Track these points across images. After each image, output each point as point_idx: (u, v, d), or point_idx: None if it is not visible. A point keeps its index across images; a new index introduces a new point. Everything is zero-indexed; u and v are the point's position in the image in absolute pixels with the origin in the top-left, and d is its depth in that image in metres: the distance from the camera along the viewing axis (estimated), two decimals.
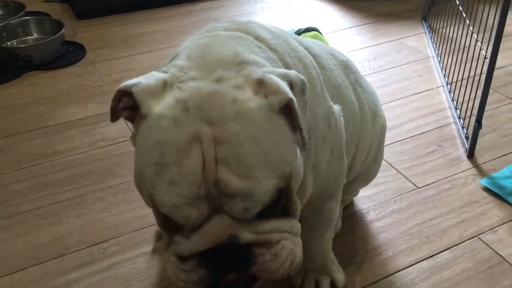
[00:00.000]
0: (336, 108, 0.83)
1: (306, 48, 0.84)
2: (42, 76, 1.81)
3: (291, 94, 0.60)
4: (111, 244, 1.11)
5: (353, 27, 2.14)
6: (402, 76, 1.76)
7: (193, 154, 0.57)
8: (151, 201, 0.61)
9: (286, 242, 0.65)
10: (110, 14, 2.27)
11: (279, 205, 0.63)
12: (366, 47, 1.97)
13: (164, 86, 0.62)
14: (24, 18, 2.03)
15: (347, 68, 0.97)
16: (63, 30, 1.91)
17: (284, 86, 0.60)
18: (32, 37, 1.99)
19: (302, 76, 0.65)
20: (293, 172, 0.63)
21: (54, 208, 1.22)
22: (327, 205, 0.88)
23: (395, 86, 1.70)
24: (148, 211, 1.18)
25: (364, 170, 1.07)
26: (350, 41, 2.02)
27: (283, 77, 0.62)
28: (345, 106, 0.88)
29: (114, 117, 0.65)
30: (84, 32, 2.13)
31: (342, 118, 0.84)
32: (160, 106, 0.60)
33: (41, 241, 1.13)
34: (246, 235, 0.61)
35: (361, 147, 0.99)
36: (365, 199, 1.22)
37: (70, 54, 1.93)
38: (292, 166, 0.63)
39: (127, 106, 0.63)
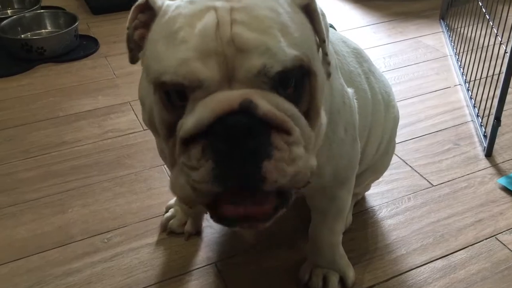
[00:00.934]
0: (350, 90, 0.81)
1: None
2: (54, 68, 1.80)
3: None
4: (116, 234, 1.09)
5: (369, 25, 2.11)
6: (419, 74, 1.72)
7: (207, 17, 0.53)
8: (156, 85, 0.56)
9: (303, 152, 0.56)
10: (125, 9, 2.27)
11: (302, 89, 0.57)
12: (382, 45, 1.93)
13: None
14: (38, 11, 2.03)
15: (359, 56, 0.94)
16: (76, 24, 1.91)
17: None
18: (46, 30, 1.99)
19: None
20: (317, 69, 0.59)
21: (60, 197, 1.20)
22: (339, 193, 0.84)
23: (411, 83, 1.66)
24: (154, 202, 1.16)
25: (375, 162, 1.03)
26: (367, 39, 1.98)
27: None
28: (357, 94, 0.85)
29: (130, 49, 0.66)
30: (98, 26, 2.13)
31: (355, 101, 0.82)
32: None
33: (45, 229, 1.11)
34: (264, 103, 0.52)
35: (372, 137, 0.96)
36: (377, 195, 1.18)
37: (83, 47, 1.92)
38: (315, 62, 0.59)
39: (142, 22, 0.63)
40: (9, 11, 2.14)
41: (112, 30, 2.09)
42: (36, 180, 1.26)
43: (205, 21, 0.53)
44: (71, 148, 1.37)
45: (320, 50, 0.63)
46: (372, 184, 1.16)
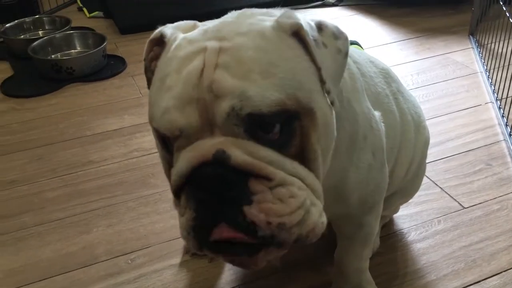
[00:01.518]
0: (377, 113, 0.79)
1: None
2: (82, 87, 1.83)
3: (303, 22, 0.58)
4: (139, 255, 1.08)
5: (396, 41, 2.08)
6: (448, 91, 1.68)
7: (195, 62, 0.55)
8: (153, 129, 0.59)
9: (300, 192, 0.55)
10: (152, 29, 2.29)
11: (290, 133, 0.55)
12: (410, 62, 1.90)
13: (194, 26, 0.63)
14: (68, 32, 2.07)
15: (388, 76, 0.92)
16: (104, 44, 1.94)
17: (299, 17, 0.59)
18: (76, 50, 2.03)
19: (339, 28, 0.62)
20: (314, 105, 0.56)
21: (85, 216, 1.21)
22: (367, 220, 0.82)
23: (440, 101, 1.62)
24: (178, 222, 1.15)
25: (404, 185, 1.00)
26: (394, 56, 1.95)
27: (312, 21, 0.61)
28: (385, 116, 0.83)
29: (148, 78, 0.66)
30: (126, 46, 2.16)
31: (382, 125, 0.79)
32: (185, 34, 0.61)
33: (70, 249, 1.11)
34: (238, 153, 0.53)
35: (401, 160, 0.93)
36: (405, 218, 1.15)
37: (111, 66, 1.95)
38: (311, 97, 0.57)
39: (156, 54, 0.64)
40: (40, 32, 2.20)
41: (139, 50, 2.12)
42: (62, 199, 1.27)
43: (191, 66, 0.55)
44: (97, 167, 1.38)
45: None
46: (401, 206, 1.13)
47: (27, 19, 2.18)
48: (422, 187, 1.09)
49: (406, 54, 1.97)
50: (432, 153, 1.34)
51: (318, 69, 0.58)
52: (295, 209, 0.54)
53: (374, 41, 2.08)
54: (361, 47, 1.80)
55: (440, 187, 1.24)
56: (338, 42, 0.61)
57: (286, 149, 0.55)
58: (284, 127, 0.55)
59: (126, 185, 1.31)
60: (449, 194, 1.21)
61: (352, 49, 0.91)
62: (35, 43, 1.93)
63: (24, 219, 1.21)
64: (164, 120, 0.55)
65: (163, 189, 1.27)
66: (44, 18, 2.25)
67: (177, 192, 0.57)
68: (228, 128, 0.53)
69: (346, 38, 0.62)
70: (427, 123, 1.03)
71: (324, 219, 0.59)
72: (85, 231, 1.16)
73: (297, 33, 0.58)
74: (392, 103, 0.89)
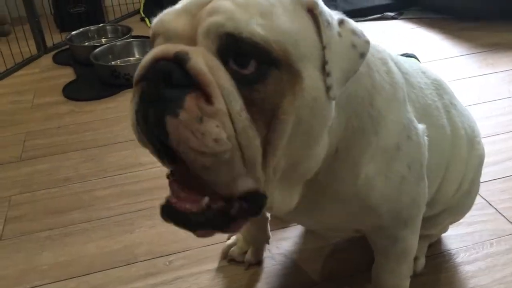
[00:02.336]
0: (420, 126, 0.75)
1: (396, 64, 0.77)
2: None
3: (321, 4, 0.58)
4: (178, 257, 1.09)
5: (459, 56, 2.00)
6: (510, 109, 1.59)
7: None
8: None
9: (225, 142, 0.52)
10: None
11: (259, 81, 0.53)
12: (472, 77, 1.82)
13: None
14: (129, 40, 2.15)
15: (440, 87, 0.88)
16: None
17: (322, 3, 0.59)
18: (134, 57, 2.11)
19: (363, 32, 0.61)
20: (303, 70, 0.55)
21: (130, 216, 1.24)
22: (402, 234, 0.78)
23: (501, 119, 1.54)
24: None
25: (454, 203, 0.95)
26: (456, 70, 1.88)
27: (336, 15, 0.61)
28: (433, 130, 0.79)
29: None
30: None
31: (426, 138, 0.76)
32: None
33: (113, 247, 1.14)
34: (199, 60, 0.52)
35: (451, 176, 0.88)
36: (455, 238, 1.09)
37: None
38: (303, 61, 0.55)
39: None
40: (103, 40, 2.30)
41: None
42: (110, 198, 1.31)
43: None
44: (146, 169, 1.42)
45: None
46: (450, 226, 1.07)
47: (92, 28, 2.29)
48: (475, 206, 1.03)
49: (469, 69, 1.88)
50: (488, 172, 1.26)
51: (323, 47, 0.57)
52: (209, 154, 0.52)
53: (436, 55, 2.02)
54: (419, 61, 1.74)
55: (495, 208, 1.16)
56: (355, 38, 0.59)
57: (250, 94, 0.53)
58: (259, 69, 0.53)
59: None
60: (504, 216, 1.14)
61: (404, 59, 0.89)
62: (97, 50, 2.01)
63: (73, 215, 1.25)
64: (159, 19, 0.58)
65: None
66: (108, 26, 2.36)
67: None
68: (206, 44, 0.53)
69: (367, 41, 0.60)
70: (486, 140, 0.98)
71: (246, 187, 0.56)
72: (129, 230, 1.19)
73: (312, 10, 0.58)
74: (443, 116, 0.85)
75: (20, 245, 1.16)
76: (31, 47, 2.23)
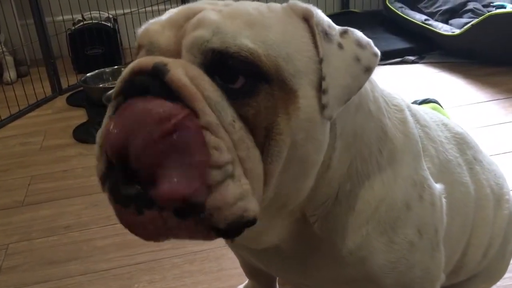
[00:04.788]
0: (438, 186, 0.67)
1: (413, 115, 0.69)
2: None
3: (318, 13, 0.53)
4: None
5: (484, 102, 1.91)
6: None
7: (199, 4, 0.54)
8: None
9: (225, 153, 0.45)
10: None
11: (248, 96, 0.48)
12: (497, 124, 1.72)
13: None
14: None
15: (463, 142, 0.80)
16: None
17: (318, 11, 0.54)
18: None
19: (372, 43, 0.54)
20: (297, 88, 0.49)
21: (129, 269, 1.16)
22: None
23: None
24: (223, 285, 1.07)
25: (485, 268, 0.85)
26: (481, 116, 1.79)
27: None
28: (454, 188, 0.71)
29: None
30: None
31: (444, 200, 0.67)
32: None
33: None
34: (179, 71, 0.46)
35: (476, 241, 0.79)
36: None
37: None
38: (296, 77, 0.50)
39: None
40: None
41: None
42: (110, 249, 1.23)
43: (194, 5, 0.53)
44: None
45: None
46: None
47: (106, 69, 2.28)
48: (511, 268, 0.93)
49: (495, 115, 1.79)
50: None
51: (320, 60, 0.51)
52: (214, 166, 0.45)
53: (460, 101, 1.93)
54: (441, 106, 1.67)
55: None
56: (359, 50, 0.53)
57: (242, 108, 0.47)
58: (247, 84, 0.48)
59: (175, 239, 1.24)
60: None
61: (424, 110, 0.81)
62: (110, 92, 1.99)
63: (70, 267, 1.18)
64: (144, 29, 0.54)
65: (212, 246, 1.19)
66: (123, 68, 2.32)
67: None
68: (189, 59, 0.48)
69: (374, 53, 0.53)
70: None
71: (252, 211, 0.47)
72: (127, 285, 1.11)
73: (308, 20, 0.52)
74: (466, 173, 0.76)
75: None
76: (46, 89, 2.22)
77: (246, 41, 0.48)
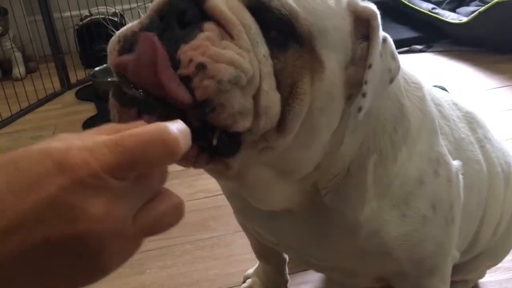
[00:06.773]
0: (455, 163, 0.67)
1: (429, 94, 0.70)
2: None
3: (378, 15, 0.53)
4: None
5: (492, 88, 1.91)
6: None
7: None
8: None
9: (247, 64, 0.46)
10: None
11: (282, 49, 0.48)
12: (507, 110, 1.72)
13: None
14: None
15: (473, 121, 0.80)
16: None
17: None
18: None
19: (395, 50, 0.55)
20: (325, 60, 0.50)
21: (141, 256, 1.17)
22: (428, 284, 0.69)
23: None
24: (233, 270, 1.08)
25: (491, 246, 0.85)
26: (490, 103, 1.79)
27: None
28: (469, 166, 0.71)
29: None
30: None
31: (461, 177, 0.67)
32: None
33: None
34: (220, 1, 0.46)
35: (488, 219, 0.80)
36: (493, 284, 0.98)
37: None
38: (328, 52, 0.50)
39: None
40: None
41: None
42: None
43: None
44: None
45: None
46: (488, 271, 0.96)
47: None
48: None
49: (504, 102, 1.79)
50: None
51: (369, 65, 0.51)
52: (227, 61, 0.45)
53: (469, 88, 1.93)
54: (448, 92, 1.66)
55: None
56: (392, 62, 0.54)
57: (271, 59, 0.48)
58: (280, 38, 0.48)
59: (186, 226, 1.26)
60: None
61: (436, 89, 0.81)
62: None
63: None
64: None
65: (222, 233, 1.20)
66: None
67: None
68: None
69: (400, 67, 0.55)
70: None
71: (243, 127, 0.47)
72: (139, 271, 1.12)
73: (368, 20, 0.52)
74: (478, 151, 0.77)
75: None
76: (55, 84, 2.24)
77: (290, 1, 0.48)
